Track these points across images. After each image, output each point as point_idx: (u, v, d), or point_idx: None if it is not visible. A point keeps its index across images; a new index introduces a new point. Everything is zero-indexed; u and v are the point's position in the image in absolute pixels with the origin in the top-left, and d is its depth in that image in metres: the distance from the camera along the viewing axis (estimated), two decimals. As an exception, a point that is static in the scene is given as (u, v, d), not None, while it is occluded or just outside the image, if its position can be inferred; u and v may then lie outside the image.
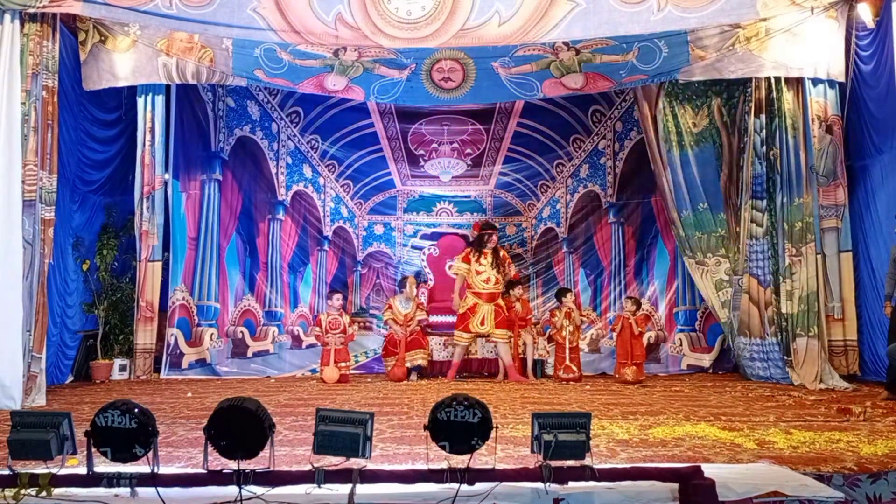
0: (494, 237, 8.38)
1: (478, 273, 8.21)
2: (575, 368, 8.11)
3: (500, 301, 8.31)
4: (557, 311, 8.43)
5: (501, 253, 8.44)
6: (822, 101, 7.70)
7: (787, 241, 7.73)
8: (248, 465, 2.98)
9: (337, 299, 8.58)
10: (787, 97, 7.79)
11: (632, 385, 7.73)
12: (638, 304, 8.41)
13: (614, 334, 8.59)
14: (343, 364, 8.30)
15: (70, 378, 8.11)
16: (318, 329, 8.49)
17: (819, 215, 7.67)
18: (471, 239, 8.75)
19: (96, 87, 7.84)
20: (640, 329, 8.17)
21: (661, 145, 8.85)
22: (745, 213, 8.24)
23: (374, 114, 9.87)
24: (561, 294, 8.59)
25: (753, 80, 8.05)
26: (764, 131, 8.06)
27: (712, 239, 8.72)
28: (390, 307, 8.77)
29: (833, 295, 7.69)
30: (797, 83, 7.78)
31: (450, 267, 9.43)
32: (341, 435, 2.97)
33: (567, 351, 8.15)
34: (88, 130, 8.29)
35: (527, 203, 10.14)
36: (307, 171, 9.96)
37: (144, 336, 8.58)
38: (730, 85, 8.53)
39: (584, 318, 8.49)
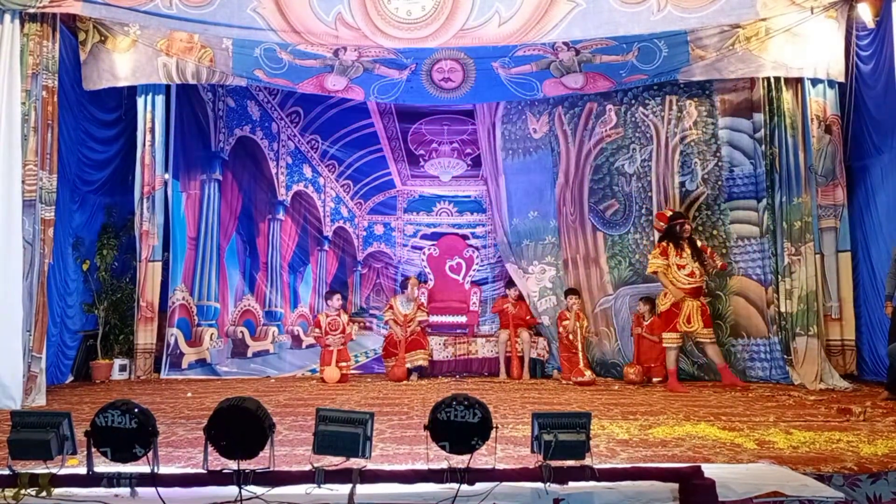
0: (687, 226, 7.56)
1: (679, 267, 7.37)
2: (588, 372, 7.99)
3: (703, 298, 7.56)
4: (567, 313, 8.30)
5: (699, 242, 7.60)
6: (821, 101, 7.71)
7: (786, 241, 7.73)
8: (248, 465, 2.98)
9: (336, 300, 8.57)
10: (787, 97, 7.80)
11: (633, 385, 7.72)
12: (652, 304, 8.29)
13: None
14: (343, 364, 8.30)
15: (70, 378, 8.11)
16: (317, 330, 8.49)
17: (818, 215, 7.68)
18: (657, 231, 8.06)
19: (96, 87, 7.85)
20: (655, 338, 7.97)
21: (497, 152, 8.97)
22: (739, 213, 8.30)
23: (374, 114, 9.87)
24: (567, 294, 8.44)
25: (751, 80, 8.09)
26: (762, 130, 8.08)
27: (539, 247, 8.85)
28: (391, 307, 8.78)
29: (831, 295, 7.69)
30: (796, 83, 7.78)
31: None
32: (341, 435, 2.96)
33: (580, 353, 8.06)
34: (88, 130, 8.29)
35: (527, 202, 10.13)
36: (307, 171, 9.96)
37: (144, 336, 8.59)
38: (572, 94, 8.71)
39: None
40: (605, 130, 8.97)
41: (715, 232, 8.52)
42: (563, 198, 8.96)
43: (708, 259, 7.51)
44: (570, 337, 8.19)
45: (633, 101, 8.90)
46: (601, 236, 8.89)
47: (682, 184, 8.67)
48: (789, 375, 7.53)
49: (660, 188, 8.76)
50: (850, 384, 7.06)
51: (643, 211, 8.83)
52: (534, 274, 8.89)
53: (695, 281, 7.38)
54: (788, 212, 7.75)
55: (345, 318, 8.52)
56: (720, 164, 8.52)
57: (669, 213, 7.82)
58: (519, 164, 9.03)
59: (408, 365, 8.48)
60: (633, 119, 8.90)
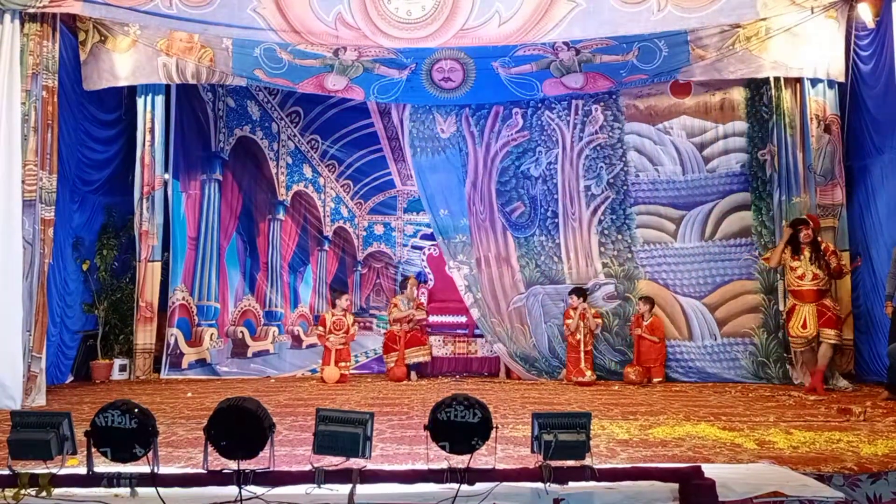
0: (804, 231, 7.14)
1: (792, 269, 7.19)
2: (590, 373, 7.99)
3: (827, 300, 7.12)
4: (572, 312, 8.26)
5: (823, 245, 7.17)
6: (820, 101, 7.71)
7: (785, 239, 7.78)
8: (248, 465, 2.98)
9: (345, 300, 8.62)
10: (786, 96, 7.83)
11: (633, 385, 7.71)
12: (651, 304, 8.26)
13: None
14: (344, 364, 8.31)
15: (70, 378, 8.11)
16: (321, 328, 8.50)
17: (817, 214, 7.68)
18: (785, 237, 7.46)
19: (96, 87, 7.86)
20: (655, 338, 8.07)
21: (406, 149, 9.06)
22: None
23: (374, 114, 9.85)
24: (574, 293, 8.33)
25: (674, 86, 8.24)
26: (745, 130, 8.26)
27: (451, 245, 8.91)
28: (395, 306, 8.79)
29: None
30: (796, 82, 7.80)
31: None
32: (341, 435, 2.96)
33: (582, 353, 8.04)
34: (88, 130, 8.29)
35: (526, 202, 10.13)
36: (307, 171, 9.96)
37: (144, 336, 8.58)
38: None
39: (598, 322, 8.32)
40: (512, 133, 9.06)
41: (620, 236, 8.69)
42: (472, 198, 9.04)
43: (827, 260, 7.07)
44: (578, 336, 8.11)
45: (539, 105, 9.01)
46: (511, 235, 8.99)
47: (588, 188, 8.83)
48: (709, 376, 7.88)
49: (565, 191, 8.90)
50: (850, 384, 7.06)
51: (548, 213, 8.94)
52: (451, 272, 8.95)
53: (805, 284, 7.12)
54: (787, 211, 7.77)
55: (350, 318, 8.55)
56: (626, 168, 8.71)
57: (791, 220, 7.49)
58: (428, 162, 9.10)
59: (407, 361, 8.49)
60: (540, 123, 9.01)
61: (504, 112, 9.05)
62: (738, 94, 8.43)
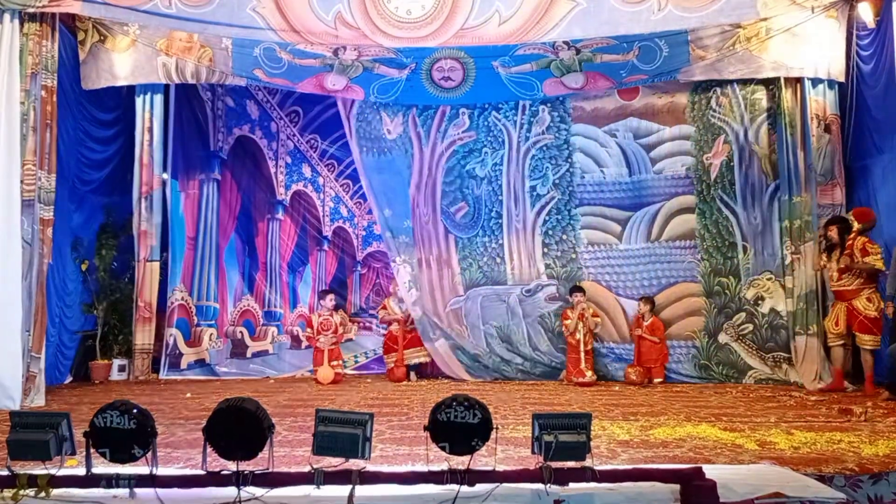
0: (828, 231, 7.16)
1: (827, 270, 7.26)
2: (590, 373, 7.97)
3: (858, 301, 6.91)
4: (570, 312, 8.21)
5: (849, 242, 6.99)
6: (820, 101, 7.70)
7: (787, 238, 7.78)
8: (247, 466, 2.97)
9: (329, 300, 8.59)
10: (786, 95, 7.82)
11: (634, 386, 7.70)
12: (652, 304, 8.23)
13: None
14: (336, 363, 8.27)
15: (69, 378, 8.10)
16: (309, 330, 8.49)
17: (817, 214, 7.68)
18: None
19: (95, 87, 7.86)
20: (655, 338, 8.04)
21: (355, 147, 9.05)
22: None
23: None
24: (575, 291, 8.27)
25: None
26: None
27: (396, 243, 8.92)
28: (384, 307, 8.79)
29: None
30: (796, 82, 7.79)
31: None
32: (341, 436, 2.96)
33: (582, 354, 8.02)
34: (87, 130, 8.28)
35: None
36: (306, 171, 9.95)
37: (142, 336, 8.57)
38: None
39: (598, 321, 8.28)
40: (458, 133, 9.03)
41: (564, 236, 8.71)
42: (416, 200, 9.03)
43: (851, 257, 6.92)
44: (578, 336, 8.08)
45: (486, 105, 8.97)
46: (453, 238, 8.98)
47: (533, 188, 8.83)
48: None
49: (510, 192, 8.88)
50: (850, 384, 7.05)
51: (493, 214, 8.93)
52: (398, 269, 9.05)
53: (833, 284, 7.18)
54: (788, 210, 7.77)
55: (337, 318, 8.52)
56: (572, 169, 8.71)
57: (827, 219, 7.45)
58: (374, 162, 9.08)
59: (407, 362, 8.48)
60: (486, 123, 8.99)
61: (451, 112, 9.01)
62: (683, 98, 8.43)
